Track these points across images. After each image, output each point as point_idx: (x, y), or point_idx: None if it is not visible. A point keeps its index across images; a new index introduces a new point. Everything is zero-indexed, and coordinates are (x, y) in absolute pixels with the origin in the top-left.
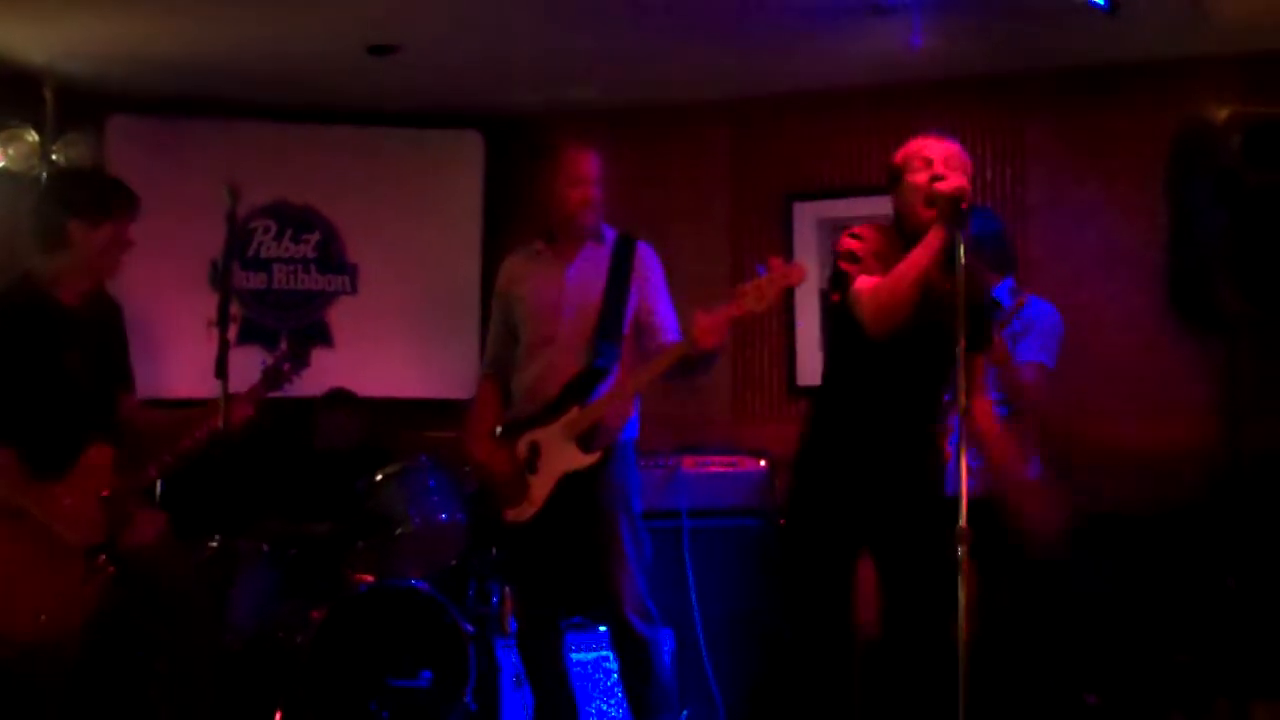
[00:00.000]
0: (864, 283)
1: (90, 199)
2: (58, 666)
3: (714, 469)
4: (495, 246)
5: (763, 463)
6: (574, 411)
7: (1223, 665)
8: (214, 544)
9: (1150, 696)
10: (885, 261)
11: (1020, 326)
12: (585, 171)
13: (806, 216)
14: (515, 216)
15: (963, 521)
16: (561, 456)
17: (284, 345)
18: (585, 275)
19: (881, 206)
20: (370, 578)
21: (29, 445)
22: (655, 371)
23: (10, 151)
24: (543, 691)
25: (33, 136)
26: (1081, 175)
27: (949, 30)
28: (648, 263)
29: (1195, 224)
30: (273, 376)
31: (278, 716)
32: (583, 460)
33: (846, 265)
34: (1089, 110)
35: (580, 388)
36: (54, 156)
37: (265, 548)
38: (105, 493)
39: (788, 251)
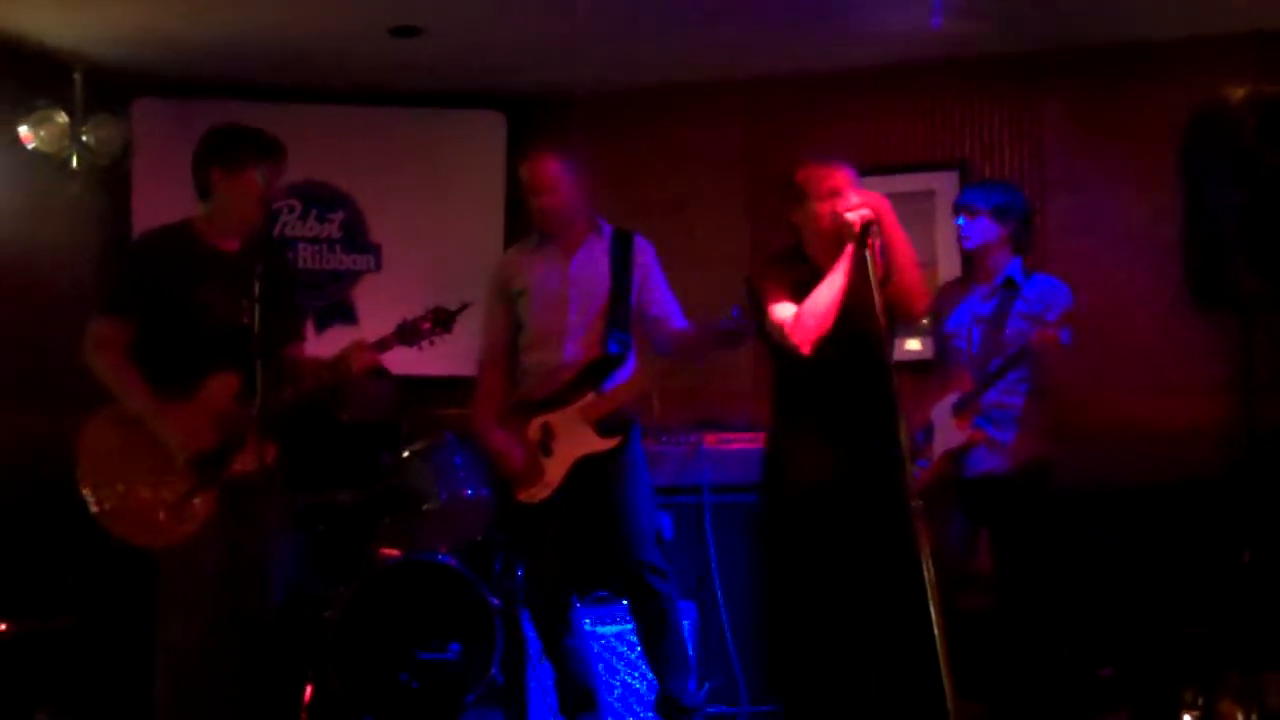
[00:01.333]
0: (780, 313)
1: (230, 148)
2: (198, 576)
3: (735, 445)
4: (517, 226)
5: None
6: (590, 397)
7: (1236, 637)
8: None
9: (1164, 669)
10: (795, 284)
11: (1040, 306)
12: (543, 181)
13: None
14: None
15: (916, 500)
16: (578, 440)
17: (432, 306)
18: (588, 267)
19: (899, 185)
20: (398, 553)
21: (157, 368)
22: (698, 349)
23: (41, 133)
24: (561, 665)
25: (63, 118)
26: (1099, 153)
27: (967, 9)
28: (645, 257)
29: (1210, 202)
30: (408, 331)
31: (308, 689)
32: (601, 445)
33: (759, 298)
34: (1107, 89)
35: (595, 374)
36: (83, 138)
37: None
38: (220, 409)
39: None
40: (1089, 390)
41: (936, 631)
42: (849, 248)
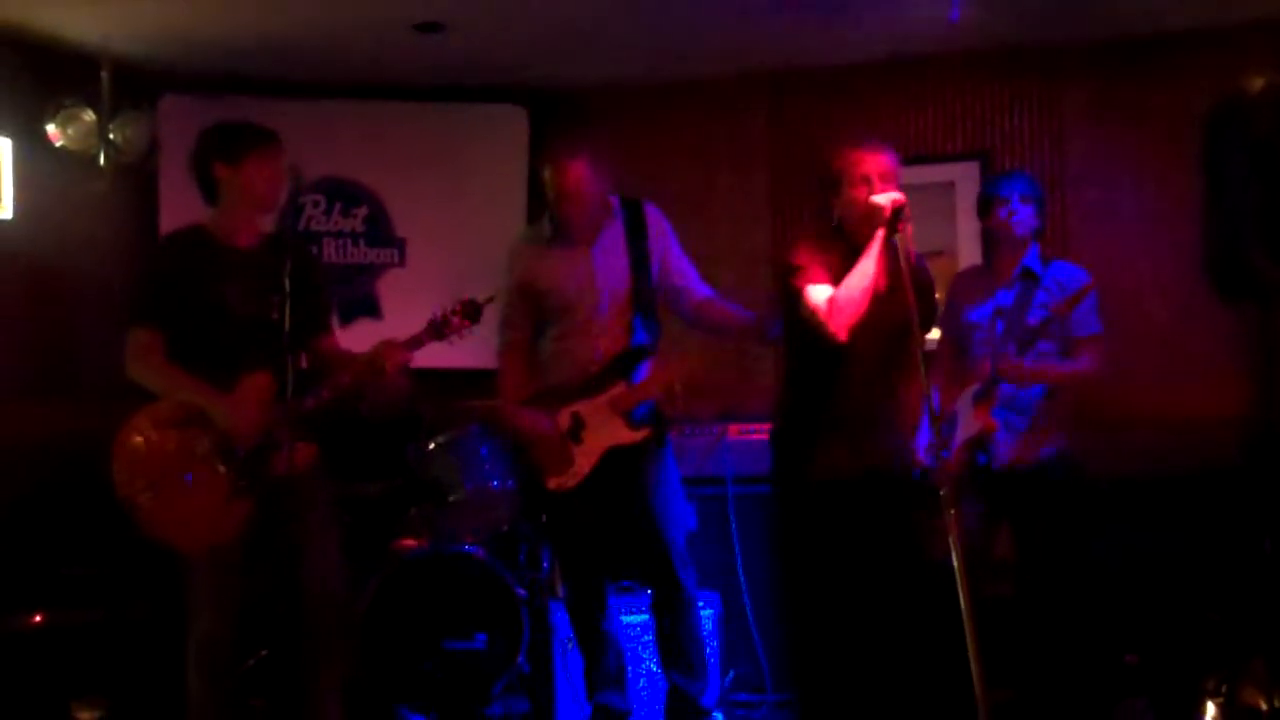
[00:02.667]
0: (815, 295)
1: (227, 141)
2: (227, 573)
3: (759, 436)
4: (539, 220)
5: None
6: (620, 387)
7: (1260, 625)
8: None
9: (1189, 656)
10: (831, 265)
11: (1060, 293)
12: (569, 186)
13: None
14: None
15: (946, 489)
16: (608, 431)
17: (460, 298)
18: (610, 256)
19: (919, 176)
20: (424, 544)
21: (190, 370)
22: (722, 330)
23: (69, 131)
24: (592, 653)
25: (90, 116)
26: (1119, 144)
27: (986, 2)
28: (659, 227)
29: (1230, 193)
30: (439, 326)
31: None
32: (631, 436)
33: (794, 280)
34: (1126, 80)
35: (624, 365)
36: (111, 136)
37: None
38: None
39: None
40: (1109, 379)
41: (966, 620)
42: (879, 233)
